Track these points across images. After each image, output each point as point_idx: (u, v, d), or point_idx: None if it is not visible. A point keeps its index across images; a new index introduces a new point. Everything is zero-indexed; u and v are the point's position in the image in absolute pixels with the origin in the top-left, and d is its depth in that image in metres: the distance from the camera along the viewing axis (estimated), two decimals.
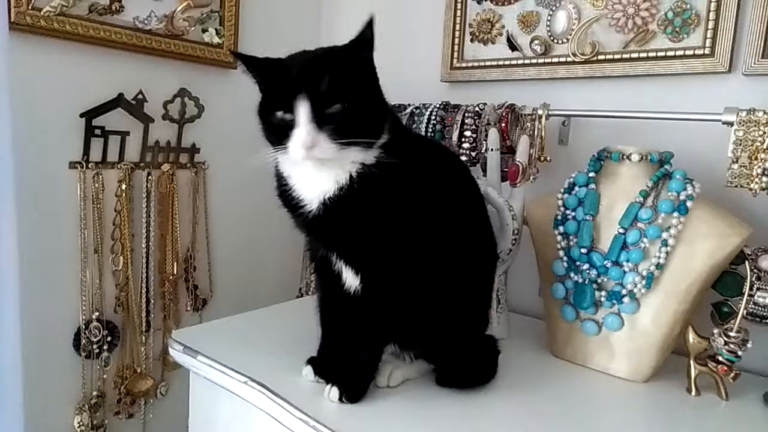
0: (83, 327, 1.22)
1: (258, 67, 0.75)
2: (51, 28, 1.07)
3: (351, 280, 0.82)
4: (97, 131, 1.19)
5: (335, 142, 0.70)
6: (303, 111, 0.70)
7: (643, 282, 0.89)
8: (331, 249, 0.81)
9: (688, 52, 1.04)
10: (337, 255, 0.81)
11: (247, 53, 0.78)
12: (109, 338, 1.26)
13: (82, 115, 1.17)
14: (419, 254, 0.78)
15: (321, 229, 0.78)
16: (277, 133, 0.73)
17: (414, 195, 0.76)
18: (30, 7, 1.04)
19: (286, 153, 0.72)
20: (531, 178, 1.12)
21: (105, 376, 1.27)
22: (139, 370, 1.32)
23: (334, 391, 0.79)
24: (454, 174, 0.87)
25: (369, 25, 0.72)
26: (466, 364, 0.87)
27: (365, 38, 0.73)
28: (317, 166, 0.73)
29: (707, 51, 1.02)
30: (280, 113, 0.72)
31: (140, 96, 1.25)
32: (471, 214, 0.87)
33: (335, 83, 0.70)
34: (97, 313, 1.23)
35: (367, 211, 0.74)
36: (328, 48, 0.76)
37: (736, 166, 0.91)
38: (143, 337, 1.32)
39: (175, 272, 1.37)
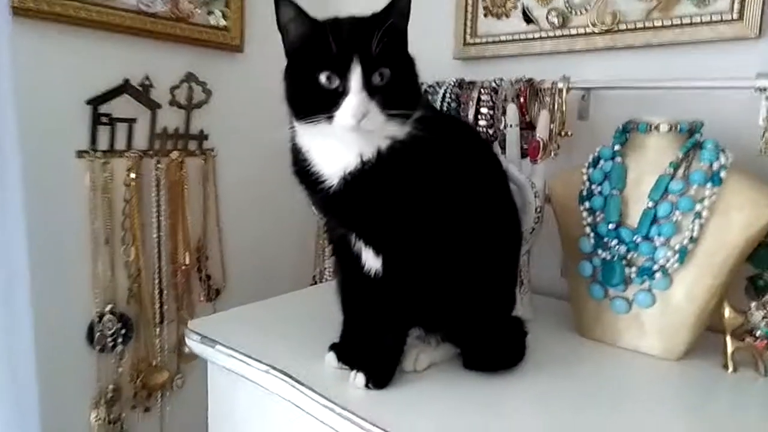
0: (96, 320, 1.20)
1: (301, 19, 0.69)
2: (53, 13, 1.04)
3: (371, 261, 0.79)
4: (104, 119, 1.17)
5: (383, 113, 0.66)
6: (355, 76, 0.65)
7: (676, 256, 0.86)
8: (351, 228, 0.78)
9: (715, 18, 1.00)
10: (357, 235, 0.78)
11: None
12: (123, 331, 1.24)
13: (88, 103, 1.14)
14: (444, 233, 0.75)
15: (340, 206, 0.74)
16: (318, 101, 0.66)
17: (441, 172, 0.72)
18: None
19: (329, 123, 0.66)
20: (552, 153, 1.09)
21: (120, 370, 1.25)
22: (154, 363, 1.31)
23: (360, 377, 0.76)
24: (478, 151, 0.84)
25: None
26: (493, 346, 0.84)
27: (400, 5, 0.69)
28: (347, 139, 0.68)
29: (736, 16, 0.97)
30: (324, 78, 0.66)
31: (146, 82, 1.22)
32: (495, 192, 0.84)
33: (385, 49, 0.66)
34: (110, 306, 1.21)
35: (391, 188, 0.70)
36: (367, 15, 0.71)
37: None
38: (157, 329, 1.30)
39: (187, 262, 1.34)
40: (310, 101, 0.68)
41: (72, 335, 1.19)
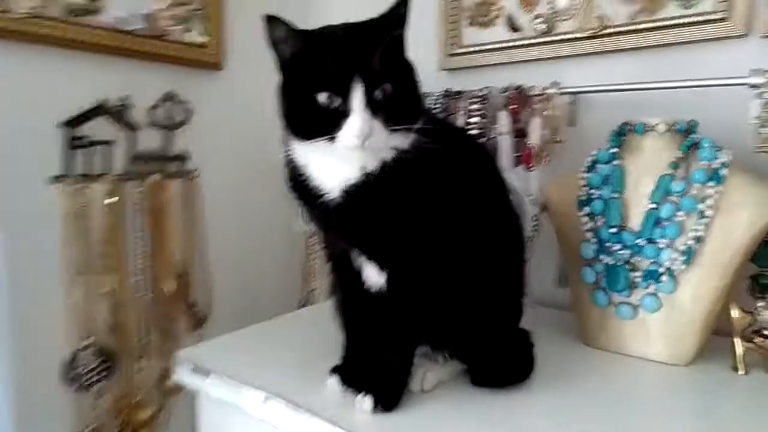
0: (75, 355, 1.12)
1: (294, 37, 0.65)
2: (24, 31, 0.99)
3: (374, 277, 0.75)
4: (79, 142, 1.10)
5: (388, 129, 0.63)
6: (357, 95, 0.61)
7: (682, 258, 0.85)
8: (352, 243, 0.74)
9: (701, 18, 1.00)
10: (360, 250, 0.74)
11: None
12: (104, 365, 1.16)
13: (62, 125, 1.08)
14: (450, 245, 0.72)
15: (342, 220, 0.70)
16: (318, 122, 0.63)
17: (447, 182, 0.69)
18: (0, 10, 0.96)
19: (331, 143, 0.63)
20: (546, 160, 1.07)
21: (101, 408, 1.17)
22: (137, 399, 1.23)
23: (367, 401, 0.72)
24: (480, 160, 0.82)
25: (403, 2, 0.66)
26: (502, 360, 0.81)
27: (399, 12, 0.66)
28: (350, 156, 0.65)
29: (722, 15, 0.98)
30: (323, 97, 0.62)
31: (124, 102, 1.16)
32: (499, 201, 0.82)
33: (385, 62, 0.62)
34: (89, 340, 1.14)
35: (396, 199, 0.67)
36: (362, 22, 0.67)
37: (765, 129, 0.88)
38: (140, 363, 1.23)
39: (170, 289, 1.27)
40: (309, 122, 0.64)
41: (48, 372, 1.11)
